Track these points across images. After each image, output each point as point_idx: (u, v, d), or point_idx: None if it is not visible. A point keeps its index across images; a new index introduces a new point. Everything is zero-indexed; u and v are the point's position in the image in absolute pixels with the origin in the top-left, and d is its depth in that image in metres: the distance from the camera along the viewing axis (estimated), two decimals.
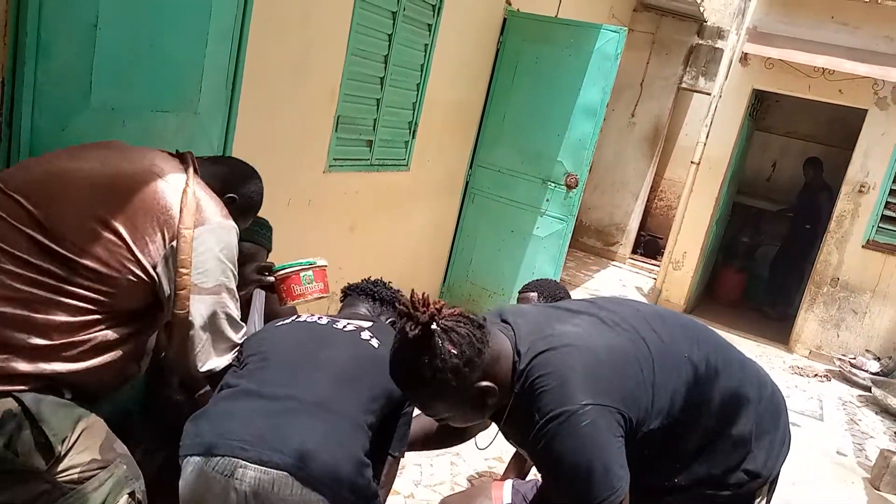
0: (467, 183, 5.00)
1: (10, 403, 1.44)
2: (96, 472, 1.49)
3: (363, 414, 1.55)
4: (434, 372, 1.37)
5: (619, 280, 7.81)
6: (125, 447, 1.61)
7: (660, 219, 9.37)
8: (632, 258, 8.71)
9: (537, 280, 2.81)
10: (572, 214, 4.59)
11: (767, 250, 8.09)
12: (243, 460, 1.40)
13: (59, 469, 1.45)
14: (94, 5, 1.85)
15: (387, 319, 2.01)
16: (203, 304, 1.63)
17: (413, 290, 1.45)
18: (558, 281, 3.39)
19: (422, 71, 3.99)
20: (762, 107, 7.74)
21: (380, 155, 3.86)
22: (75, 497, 1.47)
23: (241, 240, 2.23)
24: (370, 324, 1.86)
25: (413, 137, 4.12)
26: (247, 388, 1.57)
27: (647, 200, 8.84)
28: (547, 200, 4.65)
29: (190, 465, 1.46)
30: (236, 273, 1.72)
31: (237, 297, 1.73)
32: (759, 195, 8.35)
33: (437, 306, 1.40)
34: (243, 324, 1.76)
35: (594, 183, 8.28)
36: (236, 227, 1.73)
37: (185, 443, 1.51)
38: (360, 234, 3.90)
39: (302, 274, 2.06)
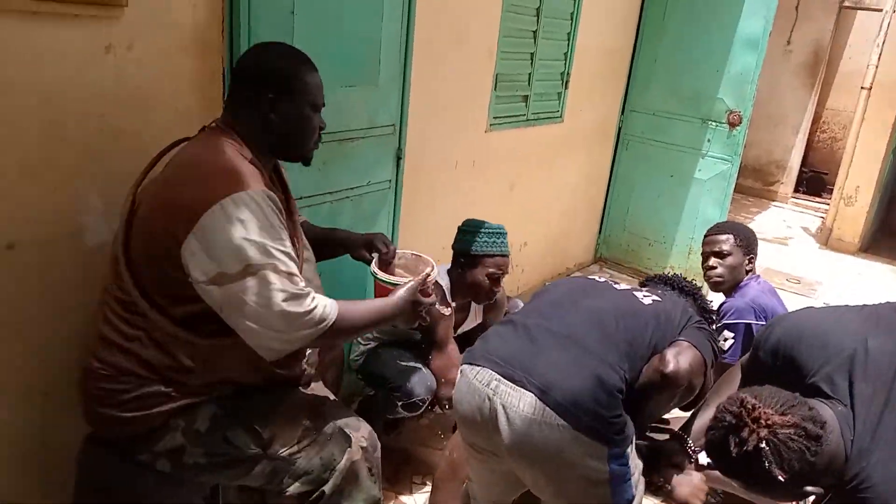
0: (619, 129, 4.88)
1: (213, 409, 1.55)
2: (312, 439, 1.60)
3: (614, 354, 1.63)
4: (756, 479, 1.36)
5: (784, 221, 7.38)
6: (337, 408, 1.70)
7: (823, 153, 8.68)
8: (794, 197, 8.18)
9: (726, 222, 2.75)
10: (737, 154, 4.37)
11: None
12: (498, 374, 1.58)
13: (276, 447, 1.57)
14: None
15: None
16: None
17: (745, 398, 1.38)
18: None
19: (572, 19, 3.92)
20: None
21: (535, 109, 3.86)
22: (300, 465, 1.58)
23: (491, 255, 2.34)
24: (656, 295, 1.90)
25: (566, 88, 4.08)
26: (514, 318, 1.79)
27: (809, 134, 8.21)
28: (708, 141, 4.46)
29: (462, 374, 1.67)
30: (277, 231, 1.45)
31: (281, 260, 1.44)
32: None
33: (769, 421, 1.33)
34: (303, 284, 1.48)
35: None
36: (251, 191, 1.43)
37: (463, 356, 1.75)
38: (519, 192, 3.95)
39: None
